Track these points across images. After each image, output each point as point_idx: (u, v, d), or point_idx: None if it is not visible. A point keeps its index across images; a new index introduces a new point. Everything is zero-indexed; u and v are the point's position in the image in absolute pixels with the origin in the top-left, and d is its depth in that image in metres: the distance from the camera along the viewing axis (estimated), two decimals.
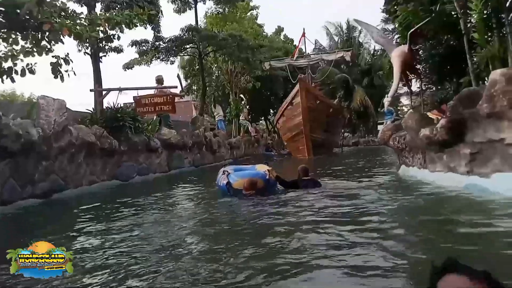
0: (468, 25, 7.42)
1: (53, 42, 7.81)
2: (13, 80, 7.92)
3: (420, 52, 10.57)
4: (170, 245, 3.63)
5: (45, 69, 8.38)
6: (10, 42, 7.69)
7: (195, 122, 15.53)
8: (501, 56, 6.33)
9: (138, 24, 9.27)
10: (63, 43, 7.83)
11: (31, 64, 7.95)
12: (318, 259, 2.94)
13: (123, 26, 8.75)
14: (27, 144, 6.08)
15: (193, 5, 22.36)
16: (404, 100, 33.52)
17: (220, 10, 25.49)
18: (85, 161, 8.18)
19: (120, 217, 5.22)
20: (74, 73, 8.44)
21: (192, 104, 34.44)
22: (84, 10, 13.16)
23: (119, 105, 10.38)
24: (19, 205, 6.06)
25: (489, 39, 6.93)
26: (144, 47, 19.77)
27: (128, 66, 20.92)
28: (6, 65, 7.74)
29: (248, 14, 28.40)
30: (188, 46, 21.75)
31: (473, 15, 6.74)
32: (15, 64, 7.78)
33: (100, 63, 13.36)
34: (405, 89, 10.30)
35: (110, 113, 9.84)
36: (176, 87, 12.42)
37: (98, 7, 13.31)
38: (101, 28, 8.46)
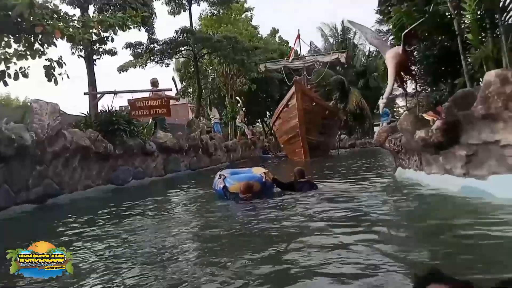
0: (462, 26, 7.44)
1: (46, 45, 7.78)
2: (6, 84, 7.88)
3: (414, 53, 10.59)
4: (166, 250, 3.61)
5: (38, 72, 8.35)
6: (2, 45, 7.64)
7: (191, 125, 15.47)
8: (495, 57, 6.34)
9: (131, 26, 9.26)
10: (56, 46, 7.80)
11: (24, 67, 7.92)
12: (316, 265, 2.91)
13: (117, 28, 8.73)
14: (20, 148, 6.02)
15: (188, 7, 22.31)
16: (400, 102, 33.69)
17: (215, 12, 25.47)
18: (80, 166, 8.12)
19: (115, 222, 5.18)
20: (68, 76, 8.44)
21: (188, 107, 34.42)
22: (77, 12, 13.12)
23: (113, 109, 10.32)
24: (14, 211, 6.01)
25: (483, 40, 6.94)
26: (138, 50, 19.69)
27: (122, 68, 20.83)
28: None
29: (243, 15, 28.41)
30: (183, 48, 21.69)
31: (467, 15, 6.75)
32: (8, 68, 7.74)
33: (94, 66, 13.28)
34: (401, 90, 10.30)
35: (105, 116, 9.78)
36: (170, 89, 12.38)
37: (91, 9, 13.24)
38: (94, 30, 8.43)
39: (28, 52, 7.79)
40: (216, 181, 6.70)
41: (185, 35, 19.77)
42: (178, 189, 8.87)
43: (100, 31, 8.86)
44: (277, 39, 37.81)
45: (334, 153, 22.94)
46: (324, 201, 5.62)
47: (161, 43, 19.81)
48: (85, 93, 10.91)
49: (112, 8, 12.23)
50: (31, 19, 6.98)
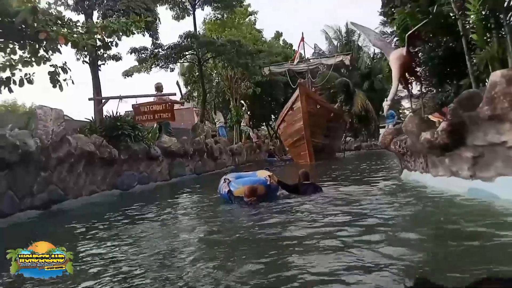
0: (466, 26, 7.38)
1: (50, 51, 7.82)
2: (11, 90, 7.93)
3: (419, 55, 10.53)
4: (170, 255, 3.60)
5: (43, 79, 8.40)
6: (8, 52, 7.70)
7: (196, 129, 15.48)
8: (500, 57, 6.28)
9: (135, 32, 9.29)
10: (60, 52, 7.85)
11: (29, 74, 7.97)
12: (321, 272, 2.87)
13: (120, 33, 8.77)
14: (25, 155, 6.04)
15: (192, 12, 22.43)
16: (406, 103, 33.51)
17: (219, 16, 25.56)
18: (85, 171, 8.13)
19: (119, 227, 5.17)
20: (73, 82, 8.48)
21: (193, 111, 34.50)
22: (81, 18, 13.23)
23: (118, 114, 10.36)
24: (18, 217, 6.02)
25: (488, 40, 6.88)
26: (143, 55, 19.79)
27: (127, 73, 20.95)
28: (4, 75, 7.77)
29: (247, 19, 28.47)
30: (187, 53, 21.77)
31: (471, 16, 6.70)
32: (13, 74, 7.79)
33: (99, 72, 13.35)
34: (406, 92, 10.25)
35: (109, 121, 9.81)
36: (174, 94, 12.38)
37: (95, 15, 13.34)
38: (98, 36, 8.46)
39: (33, 59, 7.84)
40: (221, 185, 6.70)
41: (189, 39, 19.85)
42: (183, 194, 8.86)
43: (104, 36, 8.90)
44: (281, 42, 37.82)
45: (339, 156, 22.84)
46: (329, 204, 5.57)
47: (165, 48, 19.90)
48: (89, 99, 10.94)
49: (116, 13, 12.29)
50: (35, 25, 7.02)
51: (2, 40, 7.51)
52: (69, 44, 7.82)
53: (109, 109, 14.65)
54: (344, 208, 5.26)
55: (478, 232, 3.54)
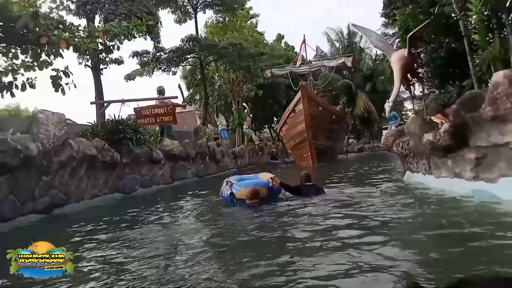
0: (468, 27, 7.34)
1: (52, 56, 7.83)
2: (13, 95, 7.95)
3: (421, 56, 10.49)
4: (173, 259, 3.60)
5: (45, 83, 8.41)
6: (10, 56, 7.72)
7: (198, 132, 15.46)
8: (502, 58, 6.24)
9: (137, 35, 9.30)
10: (62, 57, 7.85)
11: (31, 78, 7.98)
12: (322, 275, 2.85)
13: (122, 37, 8.78)
14: (26, 159, 6.04)
15: (193, 15, 22.48)
16: (408, 105, 33.38)
17: (220, 19, 25.60)
18: (87, 175, 8.13)
19: (122, 230, 5.17)
20: (75, 86, 8.49)
21: (196, 114, 34.52)
22: (83, 22, 13.26)
23: (120, 117, 10.36)
24: (20, 221, 6.01)
25: (490, 40, 6.83)
26: (145, 58, 19.83)
27: (129, 77, 20.98)
28: (6, 79, 7.78)
29: (248, 22, 28.54)
30: (189, 56, 21.80)
31: (473, 16, 6.66)
32: (15, 79, 7.80)
33: (101, 75, 13.39)
34: (408, 93, 10.21)
35: (111, 125, 9.81)
36: (176, 97, 12.38)
37: (97, 19, 13.38)
38: (100, 40, 8.48)
39: (35, 63, 7.86)
40: (223, 187, 6.72)
41: (191, 43, 19.88)
42: (186, 197, 8.84)
43: (106, 40, 8.92)
44: (283, 44, 37.84)
45: (342, 158, 22.78)
46: (331, 207, 5.55)
47: (167, 51, 19.94)
48: (91, 103, 10.98)
49: (117, 17, 12.32)
50: (37, 30, 7.04)
51: (4, 44, 7.53)
52: (71, 48, 7.83)
53: (112, 112, 14.75)
54: (346, 210, 5.24)
55: (481, 234, 3.51)
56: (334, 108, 23.34)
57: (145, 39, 14.37)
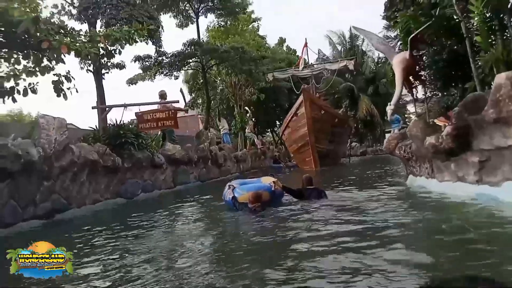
0: (470, 29, 7.30)
1: (54, 61, 7.84)
2: (14, 100, 7.94)
3: (423, 58, 10.45)
4: (175, 264, 3.59)
5: (47, 88, 8.41)
6: (12, 62, 7.72)
7: (200, 136, 15.45)
8: (505, 59, 6.19)
9: (138, 40, 9.29)
10: (64, 62, 7.84)
11: (33, 83, 7.98)
12: (325, 280, 2.81)
13: (123, 42, 8.78)
14: (27, 164, 6.02)
15: (195, 19, 22.52)
16: (411, 108, 33.31)
17: (222, 23, 25.64)
18: (88, 180, 8.11)
19: (123, 236, 5.14)
20: (77, 90, 8.48)
21: (198, 118, 34.54)
22: (84, 27, 13.28)
23: (122, 122, 10.36)
24: (21, 227, 5.99)
25: (493, 42, 6.79)
26: (147, 63, 19.85)
27: (132, 81, 21.00)
28: (8, 85, 7.79)
29: (250, 26, 28.58)
30: (191, 60, 21.82)
31: (475, 17, 6.62)
32: (17, 84, 7.80)
33: (103, 80, 13.39)
34: (411, 96, 10.18)
35: (113, 130, 9.80)
36: (177, 101, 12.38)
37: (99, 24, 13.40)
38: (101, 45, 8.47)
39: (37, 69, 7.86)
40: (225, 191, 6.72)
41: (193, 47, 19.90)
42: (188, 201, 8.83)
43: (107, 45, 8.92)
44: (284, 48, 37.87)
45: (345, 161, 22.72)
46: (333, 211, 5.52)
47: (169, 55, 19.96)
48: (93, 107, 10.96)
49: (119, 22, 12.34)
50: (38, 35, 7.04)
51: (6, 50, 7.54)
52: (73, 53, 7.84)
53: (114, 117, 14.79)
54: (349, 214, 5.20)
55: (485, 238, 3.46)
56: (337, 112, 23.32)
57: (147, 44, 14.36)
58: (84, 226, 6.05)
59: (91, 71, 13.39)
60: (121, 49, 9.52)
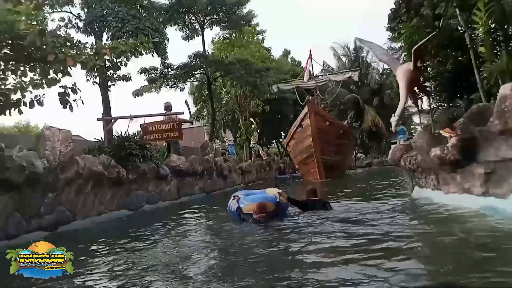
0: (474, 40, 7.29)
1: (60, 74, 7.92)
2: (20, 112, 8.01)
3: (428, 69, 10.44)
4: (179, 276, 3.56)
5: (55, 99, 8.49)
6: (18, 74, 7.81)
7: (205, 147, 15.46)
8: (510, 70, 6.16)
9: (143, 52, 9.39)
10: (70, 75, 7.91)
11: (39, 95, 8.05)
12: None
13: (129, 54, 8.87)
14: (32, 176, 6.03)
15: (201, 32, 22.76)
16: (417, 119, 33.23)
17: (227, 35, 25.87)
18: (93, 191, 8.10)
19: (127, 248, 5.12)
20: (82, 102, 8.56)
21: (204, 130, 34.66)
22: (91, 39, 13.48)
23: (127, 133, 10.40)
24: (25, 239, 5.97)
25: (498, 53, 6.77)
26: (153, 75, 20.04)
27: (138, 93, 21.15)
28: (15, 97, 7.86)
29: (255, 38, 28.81)
30: (196, 72, 21.99)
31: (478, 28, 6.60)
32: (23, 96, 7.87)
33: (109, 92, 13.54)
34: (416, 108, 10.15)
35: (118, 141, 9.83)
36: (182, 113, 12.41)
37: (105, 36, 13.60)
38: (107, 57, 8.57)
39: (43, 81, 7.94)
40: (230, 202, 6.74)
41: (198, 59, 20.08)
42: (192, 213, 8.80)
43: (113, 57, 9.01)
44: (289, 60, 38.06)
45: (350, 173, 22.61)
46: (338, 222, 5.48)
47: (175, 67, 20.15)
48: (98, 119, 11.02)
49: (125, 35, 12.50)
50: (44, 47, 7.13)
51: (13, 62, 7.63)
52: (79, 65, 7.93)
53: (121, 129, 14.88)
54: (353, 226, 5.17)
55: (492, 252, 3.40)
56: (342, 123, 23.29)
57: (152, 56, 14.54)
58: (89, 238, 6.05)
59: (97, 83, 13.55)
60: (126, 61, 9.61)
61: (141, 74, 19.86)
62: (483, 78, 7.19)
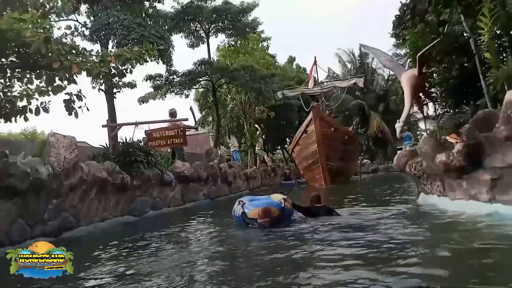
0: (479, 45, 7.25)
1: (66, 81, 7.97)
2: (26, 119, 8.08)
3: (434, 75, 10.39)
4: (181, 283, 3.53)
5: (62, 106, 8.55)
6: (25, 81, 7.87)
7: (210, 154, 15.47)
8: None
9: (148, 60, 9.44)
10: (75, 83, 7.96)
11: (45, 102, 8.11)
12: None
13: (134, 61, 8.92)
14: (36, 182, 6.05)
15: (206, 39, 22.89)
16: (423, 125, 33.07)
17: (232, 42, 25.99)
18: (97, 198, 8.12)
19: (131, 254, 5.12)
20: (88, 109, 8.61)
21: (210, 136, 34.74)
22: (96, 47, 13.59)
23: (131, 140, 10.43)
24: (28, 245, 5.98)
25: (503, 58, 6.72)
26: (158, 82, 20.15)
27: (143, 100, 21.27)
28: (21, 104, 7.93)
29: (260, 45, 28.94)
30: (201, 79, 22.08)
31: (484, 34, 6.56)
32: (29, 103, 7.93)
33: (114, 99, 13.61)
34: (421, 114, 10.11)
35: (122, 148, 9.87)
36: (187, 119, 12.44)
37: (110, 44, 13.71)
38: (112, 64, 8.62)
39: (49, 88, 7.99)
40: (235, 207, 6.78)
41: (203, 66, 20.18)
42: (196, 219, 8.79)
43: (118, 65, 9.07)
44: (294, 66, 38.14)
45: (356, 179, 22.50)
46: (343, 229, 5.44)
47: (180, 74, 20.25)
48: (103, 126, 11.07)
49: (130, 42, 12.59)
50: (50, 55, 7.18)
51: (19, 70, 7.70)
52: (84, 72, 7.98)
53: (127, 135, 14.92)
54: (358, 233, 5.13)
55: (498, 259, 3.35)
56: (347, 129, 23.23)
57: (157, 63, 14.63)
58: (92, 244, 6.04)
59: (103, 90, 13.63)
60: (132, 69, 9.66)
61: (146, 81, 19.98)
62: (489, 84, 7.14)
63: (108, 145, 10.47)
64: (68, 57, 7.26)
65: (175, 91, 21.67)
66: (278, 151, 37.52)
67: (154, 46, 9.48)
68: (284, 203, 6.28)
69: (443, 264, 3.52)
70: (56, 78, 7.88)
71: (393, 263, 3.46)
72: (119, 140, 10.74)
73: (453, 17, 7.75)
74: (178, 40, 32.25)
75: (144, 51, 9.08)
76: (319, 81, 26.11)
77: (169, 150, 12.99)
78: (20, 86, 7.88)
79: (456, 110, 11.48)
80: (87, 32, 13.88)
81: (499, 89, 6.98)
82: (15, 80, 7.83)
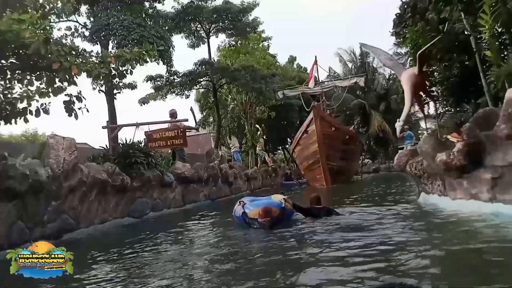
0: (480, 43, 7.20)
1: (66, 82, 7.95)
2: (26, 121, 8.05)
3: (434, 74, 10.35)
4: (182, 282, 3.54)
5: (62, 107, 8.53)
6: (25, 83, 7.86)
7: (210, 154, 15.44)
8: None
9: (148, 60, 9.42)
10: (75, 84, 7.95)
11: (45, 104, 8.09)
12: None
13: (134, 62, 8.90)
14: (35, 184, 6.04)
15: (206, 39, 22.87)
16: (424, 124, 33.01)
17: (233, 42, 25.97)
18: (97, 199, 8.10)
19: (132, 255, 5.10)
20: (88, 110, 8.58)
21: (210, 137, 34.73)
22: (96, 48, 13.60)
23: (131, 141, 10.41)
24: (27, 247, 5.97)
25: (504, 56, 6.68)
26: (159, 82, 20.14)
27: (143, 101, 21.25)
28: (21, 105, 7.91)
29: (260, 45, 28.92)
30: (202, 80, 22.06)
31: (485, 32, 6.52)
32: (29, 105, 7.91)
33: (115, 100, 13.61)
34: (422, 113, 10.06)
35: (122, 149, 9.85)
36: (187, 120, 12.40)
37: (111, 45, 13.70)
38: (112, 65, 8.60)
39: (50, 89, 7.98)
40: (236, 207, 6.80)
41: (204, 66, 20.16)
42: (197, 220, 8.76)
43: (118, 65, 9.05)
44: (295, 66, 38.11)
45: (357, 178, 22.45)
46: (344, 230, 5.43)
47: (180, 75, 20.24)
48: (103, 127, 11.05)
49: (130, 43, 12.59)
50: (50, 56, 7.16)
51: (19, 71, 7.69)
52: (84, 73, 7.96)
53: (127, 137, 14.93)
54: (358, 232, 5.12)
55: (498, 258, 3.32)
56: (348, 128, 23.19)
57: (158, 64, 14.61)
58: (92, 246, 6.03)
59: (103, 91, 13.62)
60: (132, 70, 9.65)
61: (147, 82, 19.97)
62: (490, 82, 7.09)
63: (108, 147, 10.46)
64: (68, 58, 7.24)
65: (176, 92, 21.65)
66: (279, 151, 37.49)
67: (154, 46, 9.44)
68: (285, 203, 6.30)
69: (444, 264, 3.50)
70: (56, 80, 7.86)
71: (393, 263, 3.45)
72: (119, 141, 10.73)
73: (453, 15, 7.71)
74: (179, 41, 32.25)
75: (144, 52, 9.05)
76: (320, 80, 26.07)
77: (169, 151, 12.96)
78: (20, 88, 7.85)
79: (457, 109, 11.45)
80: (87, 33, 13.88)
81: (500, 87, 6.94)
82: (15, 81, 7.81)
